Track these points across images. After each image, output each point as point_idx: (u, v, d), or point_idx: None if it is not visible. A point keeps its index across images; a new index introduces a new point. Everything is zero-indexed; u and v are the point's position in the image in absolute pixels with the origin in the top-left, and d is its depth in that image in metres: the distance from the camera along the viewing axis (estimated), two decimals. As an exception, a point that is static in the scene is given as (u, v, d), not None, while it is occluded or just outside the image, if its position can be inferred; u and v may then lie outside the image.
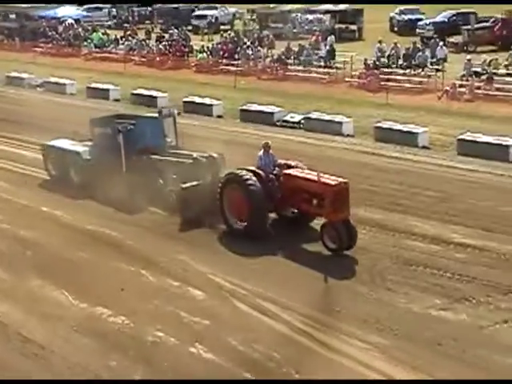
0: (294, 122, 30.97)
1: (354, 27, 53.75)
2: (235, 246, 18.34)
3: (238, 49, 44.74)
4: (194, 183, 20.14)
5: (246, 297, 15.92)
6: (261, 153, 19.03)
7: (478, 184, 22.40)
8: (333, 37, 44.30)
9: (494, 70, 35.02)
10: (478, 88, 33.92)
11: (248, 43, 45.39)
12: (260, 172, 18.46)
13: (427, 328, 14.37)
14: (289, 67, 41.51)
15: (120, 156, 21.57)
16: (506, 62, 35.85)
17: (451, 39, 44.24)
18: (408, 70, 37.54)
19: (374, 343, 13.96)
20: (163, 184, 21.02)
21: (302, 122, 30.78)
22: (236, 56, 44.19)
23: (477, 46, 43.10)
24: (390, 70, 37.78)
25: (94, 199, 21.53)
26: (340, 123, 29.62)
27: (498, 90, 33.77)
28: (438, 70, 36.70)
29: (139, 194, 20.80)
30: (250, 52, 43.89)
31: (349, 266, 17.03)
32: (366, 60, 38.46)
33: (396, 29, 54.57)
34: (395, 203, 20.73)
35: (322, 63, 41.02)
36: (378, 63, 38.21)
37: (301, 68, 41.09)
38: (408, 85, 36.13)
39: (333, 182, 17.53)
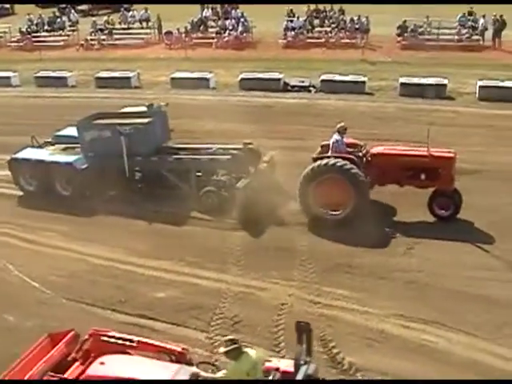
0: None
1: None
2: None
3: None
4: (248, 180, 12.91)
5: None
6: (337, 136, 12.47)
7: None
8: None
9: (112, 26, 33.95)
10: (104, 40, 32.67)
11: None
12: (352, 157, 12.34)
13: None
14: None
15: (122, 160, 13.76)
16: (119, 20, 34.78)
17: (80, 7, 41.51)
18: (52, 33, 34.70)
19: (56, 230, 13.22)
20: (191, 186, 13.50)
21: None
22: None
23: (98, 11, 41.10)
24: (39, 34, 34.64)
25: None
26: (9, 77, 26.81)
27: (117, 39, 32.79)
28: (73, 31, 34.58)
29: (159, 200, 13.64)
30: None
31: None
32: (20, 29, 34.97)
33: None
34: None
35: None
36: (29, 30, 34.95)
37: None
38: (54, 44, 33.31)
39: (449, 155, 12.45)
